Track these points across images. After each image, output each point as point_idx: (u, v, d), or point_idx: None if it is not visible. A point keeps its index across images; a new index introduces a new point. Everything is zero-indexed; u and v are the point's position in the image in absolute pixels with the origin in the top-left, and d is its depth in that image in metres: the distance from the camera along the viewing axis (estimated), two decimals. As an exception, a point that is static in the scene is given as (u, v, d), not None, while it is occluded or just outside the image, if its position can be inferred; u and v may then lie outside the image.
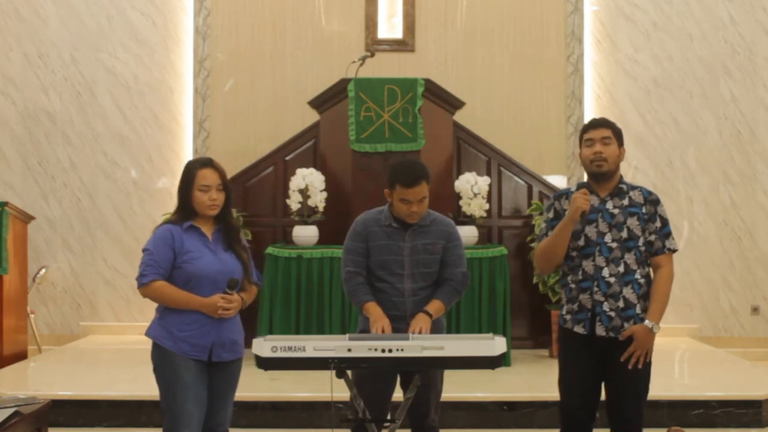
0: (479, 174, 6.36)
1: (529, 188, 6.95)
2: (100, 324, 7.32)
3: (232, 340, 3.26)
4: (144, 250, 3.23)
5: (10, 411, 3.21)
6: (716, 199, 7.45)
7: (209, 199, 3.22)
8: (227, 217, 3.32)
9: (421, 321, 3.32)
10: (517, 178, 6.97)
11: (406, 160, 3.57)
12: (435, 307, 3.41)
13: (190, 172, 3.26)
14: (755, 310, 7.41)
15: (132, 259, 7.28)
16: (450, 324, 5.62)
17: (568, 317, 3.34)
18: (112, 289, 7.36)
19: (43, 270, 7.05)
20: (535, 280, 6.34)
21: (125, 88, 7.43)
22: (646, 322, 3.23)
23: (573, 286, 3.32)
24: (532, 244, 6.42)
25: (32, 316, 6.80)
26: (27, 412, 3.30)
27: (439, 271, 3.49)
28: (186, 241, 3.20)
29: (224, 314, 3.18)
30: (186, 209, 3.25)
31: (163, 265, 3.17)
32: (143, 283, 3.18)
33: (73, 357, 6.39)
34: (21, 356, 6.39)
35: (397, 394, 3.43)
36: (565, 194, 3.38)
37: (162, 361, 3.21)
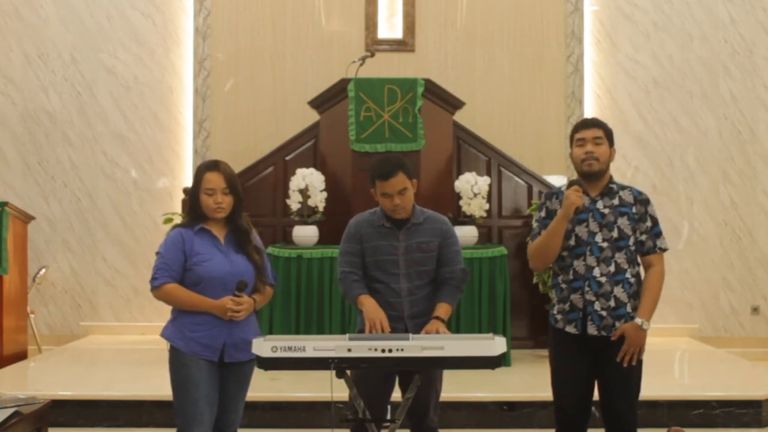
0: (479, 174, 6.36)
1: (529, 188, 6.95)
2: (100, 324, 7.32)
3: (244, 340, 3.26)
4: (156, 254, 3.30)
5: (10, 411, 3.22)
6: (716, 199, 7.45)
7: (214, 202, 3.28)
8: (237, 220, 3.38)
9: (436, 326, 3.33)
10: (517, 178, 6.97)
11: (382, 156, 3.59)
12: (444, 310, 3.41)
13: (197, 175, 3.34)
14: (755, 310, 7.40)
15: (132, 259, 7.29)
16: (450, 324, 5.57)
17: (559, 317, 3.34)
18: (112, 289, 7.36)
19: (43, 270, 7.04)
20: (535, 280, 6.33)
21: (125, 88, 7.43)
22: (636, 319, 3.23)
23: (564, 286, 3.33)
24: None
25: (32, 316, 6.79)
26: (27, 412, 3.31)
27: (437, 270, 3.48)
28: (196, 243, 3.26)
29: (234, 316, 3.21)
30: (195, 212, 3.34)
31: (174, 268, 3.23)
32: (155, 286, 3.25)
33: (73, 357, 6.39)
34: (21, 356, 6.39)
35: (397, 394, 3.43)
36: (556, 194, 3.39)
37: (175, 361, 3.26)
